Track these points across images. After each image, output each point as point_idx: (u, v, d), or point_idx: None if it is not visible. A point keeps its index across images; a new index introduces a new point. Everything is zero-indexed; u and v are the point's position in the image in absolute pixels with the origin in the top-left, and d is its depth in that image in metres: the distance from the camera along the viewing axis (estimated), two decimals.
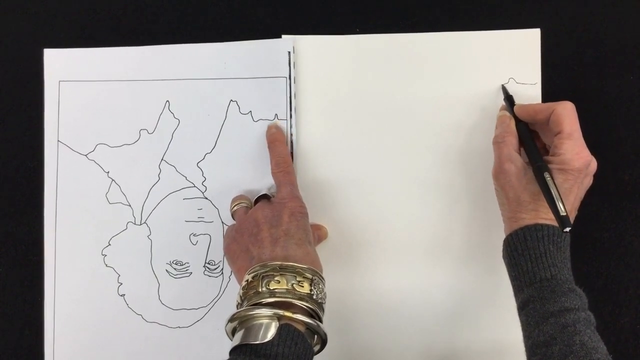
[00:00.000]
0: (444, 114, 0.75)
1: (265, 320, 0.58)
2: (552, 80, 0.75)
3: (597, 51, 0.76)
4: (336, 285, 0.74)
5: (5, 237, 0.78)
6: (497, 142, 0.69)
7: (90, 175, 0.77)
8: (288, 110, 0.75)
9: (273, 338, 0.56)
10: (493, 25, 0.76)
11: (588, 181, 0.67)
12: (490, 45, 0.75)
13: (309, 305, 0.59)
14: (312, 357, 0.60)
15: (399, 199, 0.75)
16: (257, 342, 0.56)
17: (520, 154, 0.68)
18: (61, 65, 0.77)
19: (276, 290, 0.59)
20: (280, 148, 0.73)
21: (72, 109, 0.77)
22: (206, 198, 0.76)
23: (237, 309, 0.61)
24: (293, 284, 0.60)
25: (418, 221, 0.75)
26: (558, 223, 0.61)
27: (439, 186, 0.75)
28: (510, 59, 0.75)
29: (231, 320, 0.60)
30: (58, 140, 0.77)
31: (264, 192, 0.71)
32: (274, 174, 0.72)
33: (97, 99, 0.77)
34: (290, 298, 0.59)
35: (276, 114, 0.75)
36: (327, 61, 0.76)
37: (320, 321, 0.61)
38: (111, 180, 0.77)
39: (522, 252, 0.63)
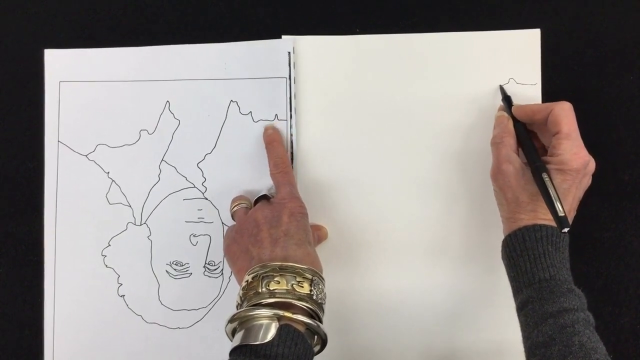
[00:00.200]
0: (444, 114, 0.75)
1: (265, 321, 0.58)
2: (552, 80, 0.75)
3: (597, 51, 0.76)
4: (336, 285, 0.74)
5: (5, 237, 0.78)
6: (495, 143, 0.69)
7: (90, 176, 0.77)
8: (288, 111, 0.75)
9: (273, 338, 0.56)
10: (493, 25, 0.76)
11: (586, 181, 0.67)
12: (490, 45, 0.75)
13: (309, 306, 0.60)
14: (312, 358, 0.60)
15: (399, 199, 0.76)
16: (257, 343, 0.56)
17: (518, 154, 0.69)
18: (61, 66, 0.77)
19: (276, 291, 0.59)
20: (278, 149, 0.73)
21: (73, 109, 0.77)
22: (206, 199, 0.76)
23: (237, 309, 0.61)
24: (293, 284, 0.60)
25: (418, 221, 0.75)
26: (556, 223, 0.61)
27: (439, 186, 0.75)
28: (510, 59, 0.75)
29: (231, 320, 0.60)
30: (58, 141, 0.77)
31: (263, 193, 0.71)
32: (272, 174, 0.72)
33: (97, 99, 0.77)
34: (290, 298, 0.59)
35: (276, 115, 0.75)
36: (327, 61, 0.76)
37: (320, 321, 0.61)
38: (111, 180, 0.77)
39: (520, 252, 0.63)
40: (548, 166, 0.64)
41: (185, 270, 0.76)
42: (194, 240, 0.76)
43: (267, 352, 0.56)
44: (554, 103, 0.67)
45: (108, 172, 0.77)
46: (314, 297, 0.60)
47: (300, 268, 0.61)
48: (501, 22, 0.76)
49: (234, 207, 0.73)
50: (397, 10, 0.77)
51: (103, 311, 0.76)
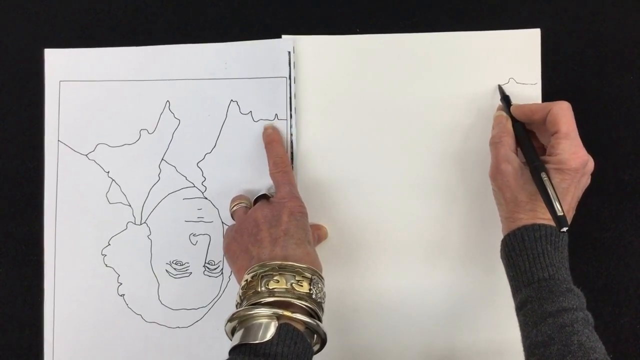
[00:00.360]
0: (444, 114, 0.75)
1: (264, 320, 0.58)
2: (552, 80, 0.75)
3: (597, 51, 0.76)
4: (336, 285, 0.74)
5: (5, 237, 0.78)
6: (494, 143, 0.69)
7: (90, 175, 0.77)
8: (288, 110, 0.75)
9: (272, 337, 0.56)
10: (493, 25, 0.76)
11: (585, 181, 0.67)
12: (490, 45, 0.76)
13: (309, 305, 0.60)
14: (311, 357, 0.60)
15: (399, 199, 0.76)
16: (257, 342, 0.56)
17: (517, 154, 0.69)
18: (61, 65, 0.78)
19: (275, 290, 0.59)
20: (278, 148, 0.73)
21: (73, 109, 0.77)
22: (206, 198, 0.76)
23: (237, 308, 0.61)
24: (292, 283, 0.60)
25: (418, 221, 0.76)
26: (555, 223, 0.61)
27: (439, 186, 0.76)
28: (510, 59, 0.75)
29: (230, 320, 0.60)
30: (58, 140, 0.77)
31: (263, 192, 0.71)
32: (272, 174, 0.72)
33: (98, 99, 0.77)
34: (289, 297, 0.59)
35: (276, 114, 0.76)
36: (327, 61, 0.77)
37: (320, 320, 0.61)
38: (111, 180, 0.77)
39: (519, 252, 0.63)
40: (547, 166, 0.65)
41: (185, 269, 0.76)
42: (193, 239, 0.76)
43: (267, 351, 0.56)
44: (552, 103, 0.67)
45: (108, 172, 0.77)
46: (314, 296, 0.60)
47: (300, 267, 0.61)
48: (501, 22, 0.76)
49: (234, 206, 0.73)
50: (397, 10, 0.77)
51: (103, 310, 0.77)
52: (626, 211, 0.76)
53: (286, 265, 0.61)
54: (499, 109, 0.74)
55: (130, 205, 0.77)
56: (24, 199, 0.78)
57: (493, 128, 0.72)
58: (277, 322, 0.58)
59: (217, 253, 0.76)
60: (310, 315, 0.60)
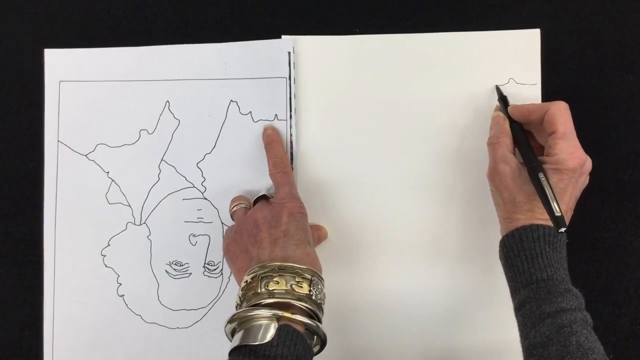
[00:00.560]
0: (444, 114, 0.76)
1: (264, 321, 0.58)
2: (552, 80, 0.75)
3: (597, 51, 0.76)
4: (336, 285, 0.74)
5: (5, 237, 0.79)
6: (492, 143, 0.70)
7: (90, 175, 0.77)
8: (288, 111, 0.75)
9: (272, 339, 0.57)
10: (493, 25, 0.76)
11: (583, 180, 0.67)
12: (490, 45, 0.76)
13: (308, 306, 0.60)
14: (311, 358, 0.60)
15: (399, 199, 0.76)
16: (257, 343, 0.56)
17: (515, 154, 0.69)
18: (61, 65, 0.78)
19: (275, 291, 0.59)
20: (277, 149, 0.73)
21: (72, 109, 0.77)
22: (206, 198, 0.76)
23: (237, 309, 0.61)
24: (292, 284, 0.60)
25: (418, 221, 0.76)
26: (553, 223, 0.61)
27: (440, 186, 0.76)
28: (510, 59, 0.75)
29: (230, 321, 0.60)
30: (58, 140, 0.77)
31: (263, 193, 0.71)
32: (272, 174, 0.72)
33: (97, 99, 0.77)
34: (289, 299, 0.59)
35: (276, 114, 0.76)
36: (327, 61, 0.77)
37: (320, 322, 0.61)
38: (111, 180, 0.77)
39: (518, 253, 0.63)
40: (544, 166, 0.65)
41: (184, 270, 0.76)
42: (193, 240, 0.76)
43: (267, 352, 0.56)
44: (549, 103, 0.67)
45: (108, 172, 0.77)
46: (313, 298, 0.61)
47: (300, 268, 0.61)
48: (501, 22, 0.76)
49: (234, 207, 0.73)
50: (397, 10, 0.77)
51: (103, 311, 0.77)
52: (626, 211, 0.76)
53: (286, 266, 0.61)
54: (496, 109, 0.74)
55: (130, 206, 0.77)
56: (24, 199, 0.78)
57: (491, 128, 0.73)
58: (277, 323, 0.58)
59: (217, 254, 0.76)
60: (310, 317, 0.60)
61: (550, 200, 0.61)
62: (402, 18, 0.77)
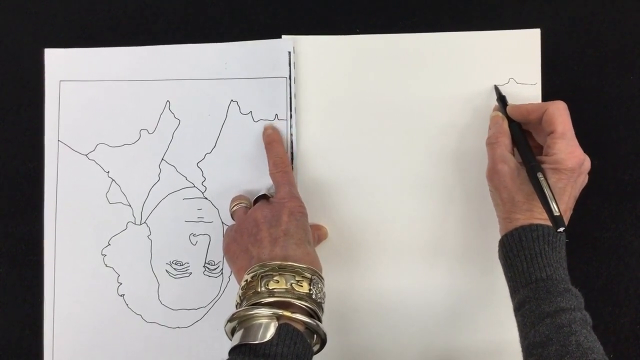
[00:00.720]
0: (443, 114, 0.76)
1: (264, 320, 0.58)
2: (552, 80, 0.76)
3: (597, 51, 0.76)
4: (336, 285, 0.74)
5: (5, 237, 0.79)
6: (490, 143, 0.70)
7: (90, 175, 0.77)
8: (288, 111, 0.76)
9: (272, 338, 0.57)
10: (493, 25, 0.76)
11: (582, 180, 0.67)
12: (490, 45, 0.76)
13: (308, 305, 0.60)
14: (311, 357, 0.61)
15: (399, 199, 0.76)
16: (257, 342, 0.57)
17: (513, 154, 0.69)
18: (61, 65, 0.78)
19: (275, 290, 0.59)
20: (278, 148, 0.74)
21: (73, 109, 0.78)
22: (206, 198, 0.76)
23: (237, 308, 0.61)
24: (292, 283, 0.60)
25: (418, 221, 0.76)
26: (552, 223, 0.61)
27: (440, 186, 0.76)
28: (510, 59, 0.76)
29: (230, 320, 0.60)
30: (58, 140, 0.77)
31: (263, 192, 0.72)
32: (272, 174, 0.73)
33: (98, 99, 0.78)
34: (289, 298, 0.59)
35: (276, 114, 0.76)
36: (327, 61, 0.77)
37: (320, 321, 0.61)
38: (111, 180, 0.77)
39: (517, 252, 0.63)
40: (543, 166, 0.65)
41: (185, 269, 0.77)
42: (193, 239, 0.76)
43: (267, 351, 0.56)
44: (548, 102, 0.67)
45: (108, 172, 0.77)
46: (313, 297, 0.61)
47: (300, 267, 0.61)
48: (501, 22, 0.76)
49: (234, 206, 0.73)
50: (397, 10, 0.78)
51: (103, 310, 0.77)
52: (626, 211, 0.76)
53: (286, 265, 0.61)
54: (495, 109, 0.74)
55: (130, 205, 0.77)
56: (24, 199, 0.78)
57: (489, 128, 0.73)
58: (277, 322, 0.58)
59: (217, 253, 0.76)
60: (310, 316, 0.60)
61: (549, 200, 0.61)
62: (402, 18, 0.77)
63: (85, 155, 0.77)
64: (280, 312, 0.58)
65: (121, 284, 0.77)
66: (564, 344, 0.57)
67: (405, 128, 0.76)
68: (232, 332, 0.61)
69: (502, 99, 0.73)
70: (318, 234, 0.75)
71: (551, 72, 0.76)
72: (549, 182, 0.63)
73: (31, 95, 0.78)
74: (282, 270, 0.61)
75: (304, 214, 0.68)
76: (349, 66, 0.77)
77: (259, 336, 0.57)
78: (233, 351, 0.58)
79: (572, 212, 0.67)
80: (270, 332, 0.57)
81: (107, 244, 0.77)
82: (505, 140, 0.69)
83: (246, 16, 0.78)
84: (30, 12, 0.80)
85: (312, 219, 0.73)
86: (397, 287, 0.76)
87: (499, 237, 0.67)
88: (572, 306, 0.59)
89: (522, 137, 0.69)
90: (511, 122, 0.71)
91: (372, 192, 0.76)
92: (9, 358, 0.78)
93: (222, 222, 0.77)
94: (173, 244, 0.77)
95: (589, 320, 0.60)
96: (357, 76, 0.77)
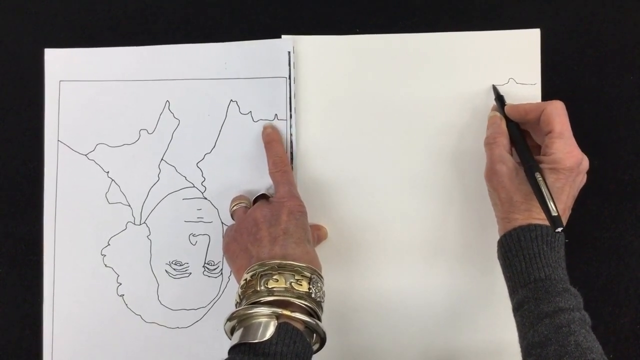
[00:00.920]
0: (443, 114, 0.76)
1: (263, 319, 0.58)
2: (552, 80, 0.76)
3: (597, 51, 0.77)
4: (336, 285, 0.75)
5: (5, 237, 0.79)
6: (489, 143, 0.70)
7: (90, 175, 0.78)
8: (288, 111, 0.76)
9: (272, 337, 0.57)
10: (493, 25, 0.77)
11: (581, 179, 0.68)
12: (490, 45, 0.76)
13: (308, 304, 0.60)
14: (311, 356, 0.61)
15: (399, 198, 0.76)
16: (256, 341, 0.57)
17: (512, 154, 0.69)
18: (61, 65, 0.78)
19: (275, 289, 0.60)
20: (277, 148, 0.74)
21: (72, 109, 0.78)
22: (205, 198, 0.77)
23: (236, 308, 0.61)
24: (291, 282, 0.61)
25: (418, 221, 0.76)
26: (550, 223, 0.61)
27: (440, 186, 0.76)
28: (510, 59, 0.76)
29: (230, 319, 0.60)
30: (58, 140, 0.78)
31: (262, 192, 0.72)
32: (271, 173, 0.73)
33: (97, 99, 0.78)
34: (288, 297, 0.60)
35: (276, 114, 0.76)
36: (327, 61, 0.77)
37: (319, 320, 0.62)
38: (111, 180, 0.78)
39: (516, 252, 0.64)
40: (541, 165, 0.65)
41: (184, 269, 0.77)
42: (193, 239, 0.77)
43: (266, 350, 0.57)
44: (546, 102, 0.68)
45: (108, 172, 0.78)
46: (313, 296, 0.61)
47: (299, 266, 0.62)
48: (501, 22, 0.77)
49: (233, 206, 0.74)
50: (397, 10, 0.78)
51: (102, 310, 0.77)
52: (626, 211, 0.76)
53: (285, 264, 0.62)
54: (493, 109, 0.74)
55: (129, 206, 0.78)
56: (24, 199, 0.79)
57: (487, 128, 0.73)
58: (276, 321, 0.58)
59: (217, 253, 0.77)
60: (309, 315, 0.61)
61: (547, 200, 0.61)
62: (402, 18, 0.78)
63: (85, 155, 0.78)
64: (279, 311, 0.59)
65: (121, 284, 0.77)
66: (563, 344, 0.57)
67: (405, 128, 0.76)
68: (232, 331, 0.61)
69: (500, 99, 0.73)
70: (318, 234, 0.75)
71: (551, 72, 0.76)
72: (547, 182, 0.63)
73: (31, 95, 0.79)
74: (281, 269, 0.61)
75: (303, 213, 0.68)
76: (348, 66, 0.77)
77: (259, 335, 0.57)
78: (232, 350, 0.58)
79: (570, 211, 0.67)
80: (270, 331, 0.57)
81: (107, 244, 0.77)
82: (504, 140, 0.69)
83: (246, 16, 0.79)
84: (30, 12, 0.80)
85: (312, 219, 0.74)
86: (397, 287, 0.76)
87: (498, 237, 0.67)
88: (571, 306, 0.60)
89: (520, 137, 0.70)
90: (509, 122, 0.71)
91: (372, 192, 0.77)
92: (9, 358, 0.79)
93: (222, 222, 0.77)
94: (173, 244, 0.77)
95: (588, 320, 0.61)
96: (357, 76, 0.77)
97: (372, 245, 0.76)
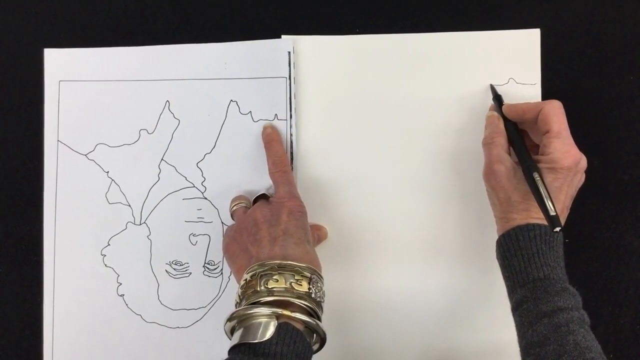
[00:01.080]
0: (443, 114, 0.76)
1: (264, 319, 0.59)
2: (552, 80, 0.76)
3: (597, 51, 0.77)
4: (336, 285, 0.75)
5: (5, 237, 0.79)
6: (487, 143, 0.70)
7: (90, 175, 0.78)
8: (288, 111, 0.76)
9: (272, 337, 0.57)
10: (493, 25, 0.77)
11: (579, 179, 0.68)
12: (490, 45, 0.77)
13: (308, 304, 0.61)
14: (311, 356, 0.61)
15: (399, 198, 0.77)
16: (256, 341, 0.57)
17: (510, 154, 0.70)
18: (61, 65, 0.79)
19: (275, 289, 0.60)
20: (277, 148, 0.74)
21: (72, 109, 0.78)
22: (206, 198, 0.77)
23: (236, 308, 0.62)
24: (291, 282, 0.61)
25: (418, 221, 0.76)
26: (548, 223, 0.62)
27: (440, 186, 0.77)
28: (510, 59, 0.76)
29: (230, 319, 0.61)
30: (58, 140, 0.78)
31: (262, 192, 0.72)
32: (271, 173, 0.73)
33: (97, 99, 0.78)
34: (288, 297, 0.60)
35: (276, 114, 0.76)
36: (327, 61, 0.78)
37: (319, 320, 0.62)
38: (111, 180, 0.78)
39: (514, 252, 0.64)
40: (539, 165, 0.65)
41: (184, 269, 0.77)
42: (193, 239, 0.77)
43: (266, 350, 0.57)
44: (543, 102, 0.68)
45: (107, 172, 0.78)
46: (313, 296, 0.61)
47: (299, 266, 0.62)
48: (501, 22, 0.77)
49: (233, 206, 0.74)
50: (397, 10, 0.78)
51: (102, 310, 0.77)
52: (626, 211, 0.76)
53: (285, 264, 0.62)
54: (491, 108, 0.74)
55: (129, 205, 0.78)
56: (24, 199, 0.79)
57: (485, 128, 0.73)
58: (276, 321, 0.58)
59: (217, 253, 0.77)
60: (309, 315, 0.61)
61: (545, 200, 0.62)
62: (402, 18, 0.78)
63: (85, 155, 0.78)
64: (279, 311, 0.59)
65: (121, 284, 0.78)
66: (562, 344, 0.57)
67: (405, 128, 0.77)
68: (232, 331, 0.61)
69: (497, 99, 0.74)
70: (318, 234, 0.75)
71: (551, 72, 0.76)
72: (545, 181, 0.63)
73: (31, 95, 0.79)
74: (281, 269, 0.61)
75: (303, 213, 0.69)
76: (348, 66, 0.77)
77: (259, 335, 0.57)
78: (232, 350, 0.59)
79: (569, 211, 0.68)
80: (270, 331, 0.57)
81: (107, 244, 0.78)
82: (501, 140, 0.70)
83: (246, 16, 0.79)
84: (30, 12, 0.80)
85: (312, 219, 0.74)
86: (397, 287, 0.76)
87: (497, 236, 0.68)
88: (570, 305, 0.60)
89: (518, 136, 0.70)
90: (507, 121, 0.71)
91: (372, 192, 0.77)
92: (9, 358, 0.79)
93: (222, 222, 0.77)
94: (173, 244, 0.77)
95: (587, 319, 0.61)
96: (357, 76, 0.77)
97: (372, 245, 0.77)
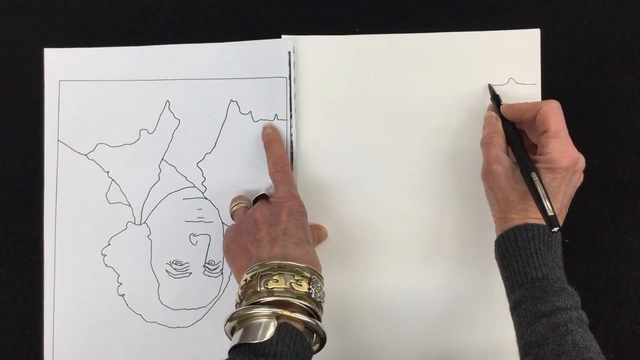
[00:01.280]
0: (443, 114, 0.77)
1: (264, 320, 0.59)
2: (552, 80, 0.76)
3: (597, 51, 0.77)
4: (336, 285, 0.75)
5: (5, 237, 0.80)
6: (485, 144, 0.71)
7: (90, 175, 0.78)
8: (288, 111, 0.77)
9: (272, 337, 0.58)
10: (493, 25, 0.77)
11: (577, 179, 0.68)
12: (490, 45, 0.77)
13: (308, 304, 0.61)
14: (311, 356, 0.62)
15: (399, 199, 0.77)
16: (256, 342, 0.57)
17: (508, 154, 0.70)
18: (61, 65, 0.79)
19: (275, 289, 0.60)
20: (277, 148, 0.75)
21: (72, 109, 0.79)
22: (206, 198, 0.77)
23: (236, 308, 0.62)
24: (291, 282, 0.61)
25: (418, 221, 0.77)
26: (546, 223, 0.62)
27: (440, 186, 0.77)
28: (510, 59, 0.77)
29: (230, 319, 0.61)
30: (58, 140, 0.78)
31: (262, 192, 0.73)
32: (271, 173, 0.74)
33: (97, 99, 0.78)
34: (288, 297, 0.60)
35: (276, 114, 0.77)
36: (327, 61, 0.78)
37: (319, 320, 0.62)
38: (111, 180, 0.78)
39: (513, 252, 0.64)
40: (537, 165, 0.66)
41: (185, 269, 0.77)
42: (193, 239, 0.77)
43: (266, 350, 0.57)
44: (541, 102, 0.68)
45: (108, 172, 0.78)
46: (313, 296, 0.62)
47: (299, 267, 0.62)
48: (501, 22, 0.77)
49: (233, 206, 0.74)
50: (397, 10, 0.78)
51: (103, 310, 0.78)
52: (626, 211, 0.77)
53: (285, 264, 0.62)
54: (489, 108, 0.75)
55: (130, 205, 0.78)
56: (24, 199, 0.79)
57: (484, 128, 0.74)
58: (276, 321, 0.59)
59: (217, 253, 0.77)
60: (309, 315, 0.61)
61: (543, 200, 0.62)
62: (402, 18, 0.78)
63: (85, 155, 0.78)
64: (279, 311, 0.59)
65: (121, 283, 0.78)
66: (560, 343, 0.58)
67: (405, 128, 0.77)
68: (232, 331, 0.62)
69: (496, 98, 0.74)
70: (318, 234, 0.76)
71: (551, 72, 0.76)
72: (543, 181, 0.64)
73: (31, 95, 0.79)
74: (281, 269, 0.62)
75: (303, 213, 0.69)
76: (348, 66, 0.78)
77: (259, 335, 0.58)
78: (233, 350, 0.59)
79: (567, 210, 0.68)
80: (270, 331, 0.58)
81: (107, 244, 0.78)
82: (500, 140, 0.70)
83: (246, 16, 0.79)
84: (30, 12, 0.81)
85: (312, 219, 0.74)
86: (397, 286, 0.77)
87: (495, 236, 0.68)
88: (568, 305, 0.60)
89: (516, 136, 0.70)
90: (505, 121, 0.72)
91: (372, 192, 0.77)
92: (9, 358, 0.79)
93: (222, 222, 0.77)
94: (173, 243, 0.78)
95: (585, 319, 0.61)
96: (357, 76, 0.78)
97: (372, 245, 0.77)
